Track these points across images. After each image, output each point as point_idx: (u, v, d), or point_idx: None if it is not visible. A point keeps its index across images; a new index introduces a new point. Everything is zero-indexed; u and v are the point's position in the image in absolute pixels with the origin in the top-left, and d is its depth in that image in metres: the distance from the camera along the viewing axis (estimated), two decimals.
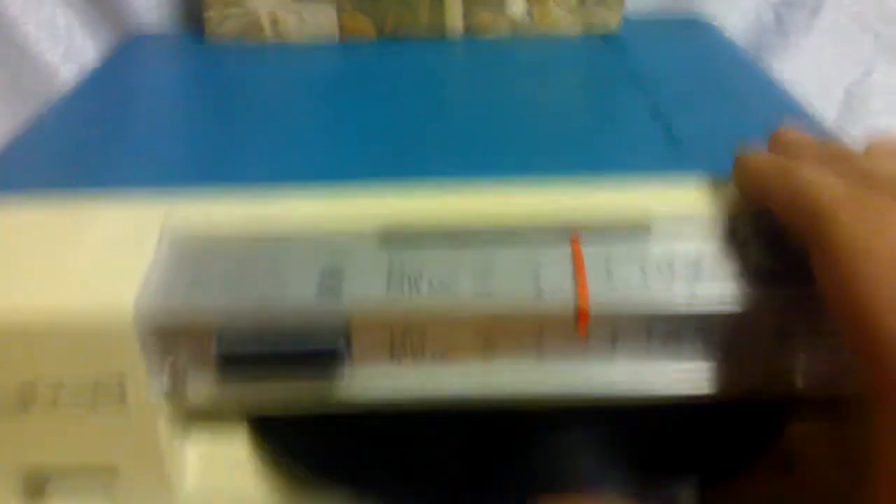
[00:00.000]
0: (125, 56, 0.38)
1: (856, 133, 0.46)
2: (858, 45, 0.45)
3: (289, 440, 0.24)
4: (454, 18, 0.39)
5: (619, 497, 0.22)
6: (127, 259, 0.22)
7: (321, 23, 0.39)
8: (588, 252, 0.22)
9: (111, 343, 0.21)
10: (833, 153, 0.22)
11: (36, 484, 0.24)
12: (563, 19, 0.39)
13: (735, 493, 0.25)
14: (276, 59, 0.37)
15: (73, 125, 0.31)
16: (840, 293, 0.18)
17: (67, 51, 0.44)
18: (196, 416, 0.24)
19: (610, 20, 0.39)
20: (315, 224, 0.23)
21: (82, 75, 0.37)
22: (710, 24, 0.41)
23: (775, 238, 0.21)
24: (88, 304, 0.21)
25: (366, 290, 0.21)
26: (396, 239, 0.23)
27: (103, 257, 0.22)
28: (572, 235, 0.22)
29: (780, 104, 0.31)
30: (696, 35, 0.40)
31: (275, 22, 0.38)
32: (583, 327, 0.21)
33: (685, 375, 0.22)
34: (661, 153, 0.27)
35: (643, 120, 0.29)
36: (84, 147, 0.28)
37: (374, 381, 0.22)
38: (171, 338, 0.21)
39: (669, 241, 0.22)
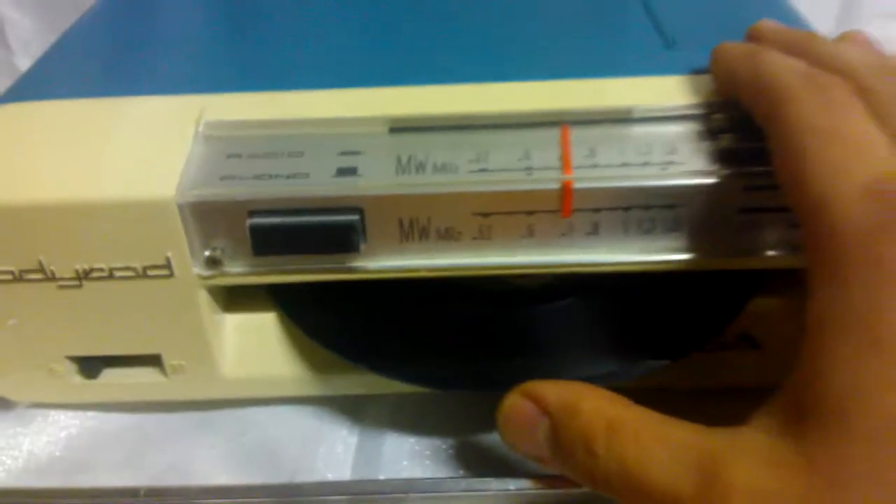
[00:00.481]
0: None
1: None
2: None
3: (313, 320, 0.28)
4: None
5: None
6: (168, 148, 0.25)
7: None
8: (575, 135, 0.25)
9: (158, 223, 0.24)
10: (801, 39, 0.24)
11: (91, 364, 0.28)
12: None
13: (704, 369, 0.28)
14: None
15: (106, 33, 0.33)
16: (784, 165, 0.20)
17: None
18: (233, 297, 0.28)
19: None
20: (333, 115, 0.26)
21: None
22: None
23: (745, 125, 0.24)
24: (136, 189, 0.24)
25: (378, 172, 0.24)
26: (404, 127, 0.25)
27: (146, 146, 0.25)
28: (561, 121, 0.25)
29: (774, 5, 0.33)
30: None
31: None
32: (567, 206, 0.24)
33: (659, 250, 0.25)
34: (654, 53, 0.29)
35: (640, 17, 0.31)
36: (117, 54, 0.31)
37: (386, 254, 0.25)
38: (210, 217, 0.24)
39: (649, 126, 0.25)
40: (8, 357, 0.27)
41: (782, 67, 0.22)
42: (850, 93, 0.20)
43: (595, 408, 0.21)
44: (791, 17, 0.32)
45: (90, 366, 0.28)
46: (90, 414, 0.29)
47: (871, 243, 0.17)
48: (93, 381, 0.28)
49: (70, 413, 0.29)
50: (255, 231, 0.24)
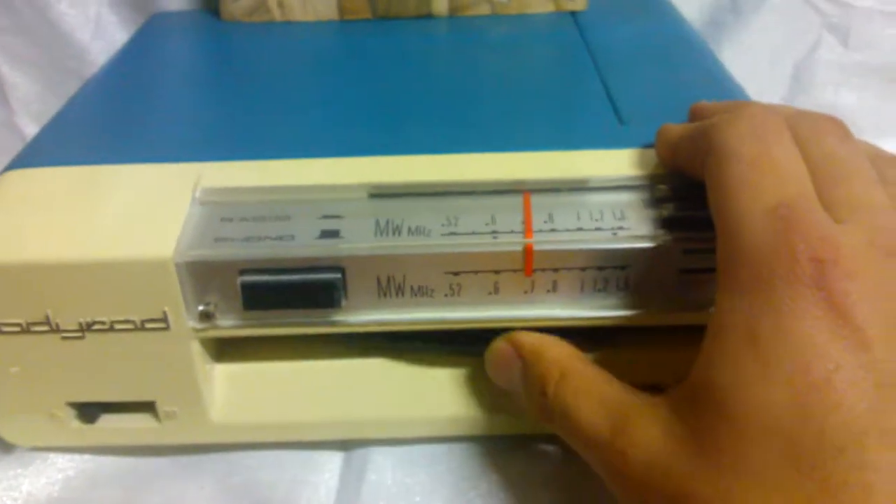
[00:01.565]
0: (150, 33, 0.43)
1: (804, 103, 0.51)
2: (805, 23, 0.49)
3: None
4: (440, 0, 0.44)
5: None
6: (167, 211, 0.27)
7: (323, 4, 0.43)
8: (535, 202, 0.28)
9: (157, 280, 0.26)
10: (735, 103, 0.27)
11: (89, 410, 0.30)
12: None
13: None
14: (282, 36, 0.42)
15: (107, 102, 0.36)
16: (712, 193, 0.23)
17: (96, 29, 0.49)
18: (222, 347, 0.30)
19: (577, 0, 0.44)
20: (317, 182, 0.28)
21: (113, 53, 0.42)
22: (668, 3, 0.46)
23: (685, 195, 0.27)
24: (138, 249, 0.26)
25: (358, 234, 0.27)
26: (382, 193, 0.28)
27: (147, 210, 0.28)
28: (523, 189, 0.28)
29: (717, 81, 0.36)
30: (654, 12, 0.44)
31: (281, 4, 0.43)
32: (529, 266, 0.27)
33: (611, 306, 0.28)
34: (609, 128, 0.32)
35: (598, 96, 0.34)
36: (119, 123, 0.34)
37: (365, 310, 0.28)
38: (205, 275, 0.26)
39: (601, 195, 0.28)
40: (10, 402, 0.29)
41: (716, 118, 0.24)
42: (779, 120, 0.23)
43: (555, 357, 0.26)
44: (737, 93, 0.35)
45: (88, 411, 0.30)
46: (87, 457, 0.31)
47: (763, 260, 0.20)
48: (90, 426, 0.30)
49: (68, 456, 0.31)
50: (246, 288, 0.27)
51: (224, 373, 0.30)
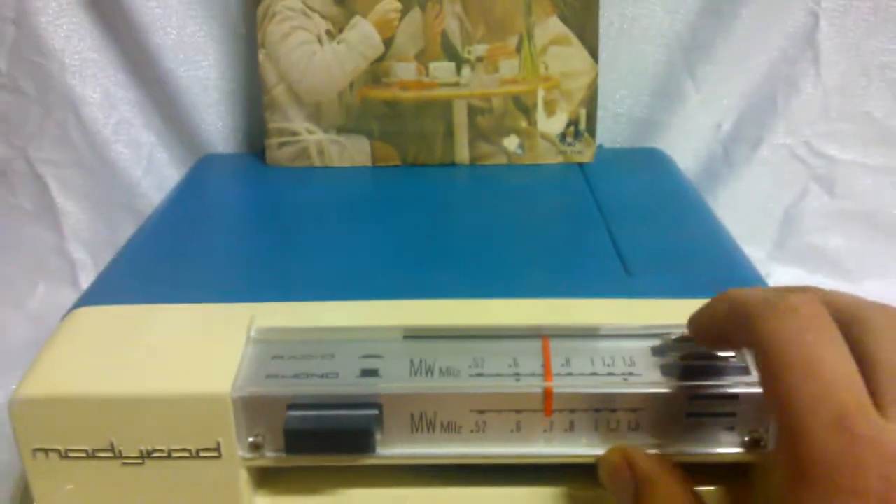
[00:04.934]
0: (201, 175, 0.48)
1: (794, 246, 0.56)
2: (793, 174, 0.54)
3: None
4: (462, 150, 0.49)
5: None
6: (223, 349, 0.31)
7: (357, 152, 0.48)
8: (553, 346, 0.31)
9: (214, 413, 0.29)
10: (771, 293, 0.26)
11: None
12: (548, 152, 0.49)
13: None
14: (321, 181, 0.47)
15: (166, 243, 0.40)
16: (767, 389, 0.23)
17: (148, 166, 0.54)
18: (262, 477, 0.33)
19: (585, 153, 0.49)
20: (357, 324, 0.32)
21: (161, 187, 0.47)
22: (667, 156, 0.51)
23: (690, 345, 0.30)
24: (199, 385, 0.29)
25: (395, 374, 0.30)
26: (416, 335, 0.31)
27: (205, 348, 0.31)
28: (542, 334, 0.31)
29: (715, 238, 0.40)
30: (654, 166, 0.49)
31: (321, 151, 0.48)
32: (549, 407, 0.30)
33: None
34: (617, 278, 0.35)
35: (605, 246, 0.38)
36: (177, 263, 0.37)
37: (399, 444, 0.30)
38: (256, 409, 0.29)
39: (613, 342, 0.31)
40: None
41: (757, 306, 0.24)
42: (823, 314, 0.23)
43: (666, 492, 0.27)
44: (733, 252, 0.38)
45: None
46: None
47: (831, 473, 0.21)
48: None
49: None
50: (289, 433, 0.29)
51: (264, 501, 0.33)
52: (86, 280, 0.55)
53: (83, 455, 0.30)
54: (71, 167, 0.53)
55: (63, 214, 0.54)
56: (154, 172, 0.54)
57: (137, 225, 0.52)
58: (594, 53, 0.48)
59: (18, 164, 0.53)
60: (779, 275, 0.56)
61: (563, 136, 0.49)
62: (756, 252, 0.56)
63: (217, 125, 0.53)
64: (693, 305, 0.29)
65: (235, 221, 0.42)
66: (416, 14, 0.47)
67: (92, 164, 0.53)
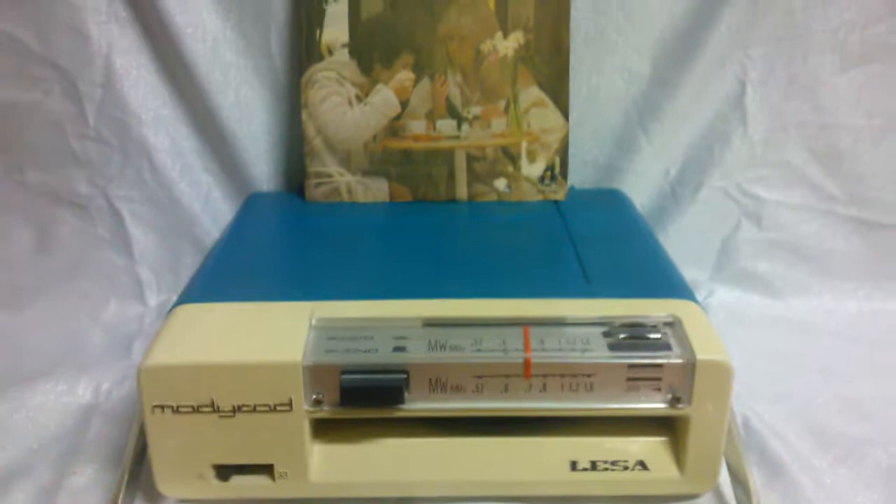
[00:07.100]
0: (253, 209, 0.60)
1: (731, 271, 0.68)
2: (727, 210, 0.65)
3: None
4: (461, 189, 0.61)
5: None
6: (295, 332, 0.42)
7: (379, 191, 0.61)
8: (532, 332, 0.43)
9: (289, 377, 0.40)
10: None
11: (226, 472, 0.43)
12: (530, 191, 0.61)
13: None
14: (350, 213, 0.59)
15: (239, 257, 0.52)
16: None
17: (206, 202, 0.65)
18: (318, 428, 0.44)
19: (559, 192, 0.61)
20: (390, 315, 0.43)
21: (217, 219, 0.59)
22: (625, 196, 0.64)
23: (629, 330, 0.42)
24: (278, 356, 0.41)
25: (418, 350, 0.41)
26: (433, 323, 0.43)
27: (281, 330, 0.42)
28: (523, 323, 0.43)
29: (657, 257, 0.52)
30: (614, 203, 0.62)
31: (350, 190, 0.61)
32: (528, 373, 0.41)
33: (583, 400, 0.42)
34: (579, 285, 0.47)
35: (572, 262, 0.50)
36: (251, 272, 0.49)
37: (420, 401, 0.42)
38: (318, 374, 0.40)
39: (575, 328, 0.43)
40: (169, 464, 0.43)
41: None
42: None
43: None
44: (670, 269, 0.50)
45: (225, 473, 0.43)
46: None
47: None
48: (225, 484, 0.43)
49: None
50: (344, 389, 0.41)
51: (320, 446, 0.44)
52: (151, 297, 0.66)
53: (190, 410, 0.41)
54: (143, 203, 0.64)
55: (134, 241, 0.65)
56: (210, 207, 0.65)
57: (196, 250, 0.65)
58: (566, 114, 0.60)
59: (99, 201, 0.63)
60: (720, 293, 0.66)
61: (542, 178, 0.61)
62: (699, 275, 0.67)
63: (263, 169, 0.65)
64: (634, 304, 0.42)
65: (289, 242, 0.54)
66: (426, 83, 0.60)
67: (160, 200, 0.64)
